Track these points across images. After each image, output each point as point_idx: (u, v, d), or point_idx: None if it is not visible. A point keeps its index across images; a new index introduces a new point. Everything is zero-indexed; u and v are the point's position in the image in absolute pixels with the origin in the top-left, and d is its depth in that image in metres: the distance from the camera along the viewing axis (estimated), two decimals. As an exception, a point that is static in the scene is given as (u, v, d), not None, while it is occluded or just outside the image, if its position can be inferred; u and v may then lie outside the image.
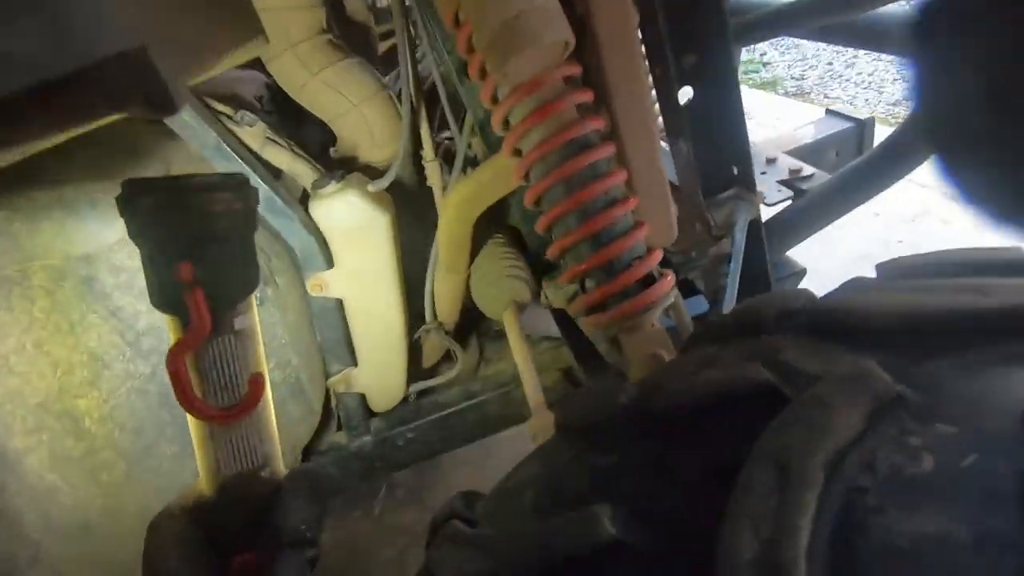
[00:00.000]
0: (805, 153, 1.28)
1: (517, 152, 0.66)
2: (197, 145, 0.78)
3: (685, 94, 0.86)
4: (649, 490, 0.30)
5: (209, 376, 0.49)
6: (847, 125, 1.34)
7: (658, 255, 0.63)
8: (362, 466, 1.10)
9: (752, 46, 4.44)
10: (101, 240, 0.63)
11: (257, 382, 0.52)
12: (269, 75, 1.13)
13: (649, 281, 0.62)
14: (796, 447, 0.25)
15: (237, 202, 0.49)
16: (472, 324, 1.27)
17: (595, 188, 0.61)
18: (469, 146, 0.89)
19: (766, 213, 1.04)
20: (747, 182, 0.91)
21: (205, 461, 0.52)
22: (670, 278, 0.62)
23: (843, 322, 0.32)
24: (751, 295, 0.89)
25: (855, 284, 0.38)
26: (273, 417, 0.55)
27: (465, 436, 1.12)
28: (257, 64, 1.19)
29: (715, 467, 0.29)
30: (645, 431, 0.33)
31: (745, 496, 0.25)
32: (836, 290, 0.39)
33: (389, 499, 1.53)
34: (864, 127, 1.33)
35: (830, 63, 3.67)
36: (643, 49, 0.74)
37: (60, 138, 0.50)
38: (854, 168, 1.02)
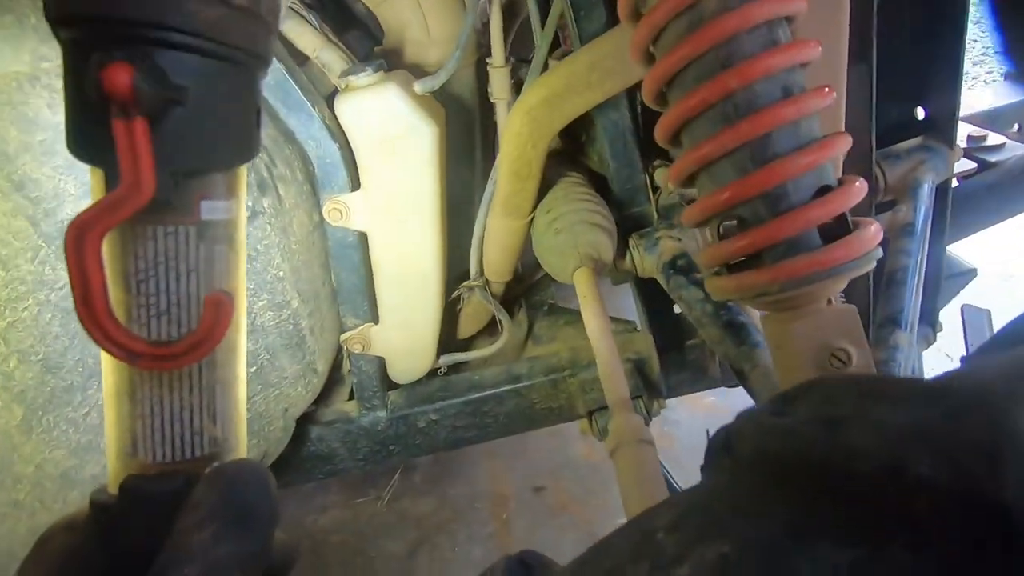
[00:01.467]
0: (978, 122, 0.99)
1: (636, 14, 0.42)
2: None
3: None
4: None
5: (142, 286, 0.28)
6: (1036, 94, 1.03)
7: (859, 189, 0.38)
8: (373, 447, 0.90)
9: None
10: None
11: (219, 306, 0.29)
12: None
13: (838, 230, 0.38)
14: None
15: None
16: (521, 291, 1.05)
17: (771, 60, 0.36)
18: (555, 41, 0.65)
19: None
20: (943, 130, 0.64)
21: (117, 433, 0.30)
22: (875, 228, 0.38)
23: None
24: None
25: None
26: (243, 376, 0.33)
27: (502, 426, 0.90)
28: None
29: None
30: None
31: None
32: None
33: (403, 483, 1.34)
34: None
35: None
36: None
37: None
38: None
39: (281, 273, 0.62)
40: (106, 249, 0.27)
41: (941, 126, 0.63)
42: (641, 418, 0.46)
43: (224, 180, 0.30)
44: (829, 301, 0.40)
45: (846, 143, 0.37)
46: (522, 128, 0.59)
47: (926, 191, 0.61)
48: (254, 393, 0.66)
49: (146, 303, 0.28)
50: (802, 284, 0.37)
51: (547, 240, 0.65)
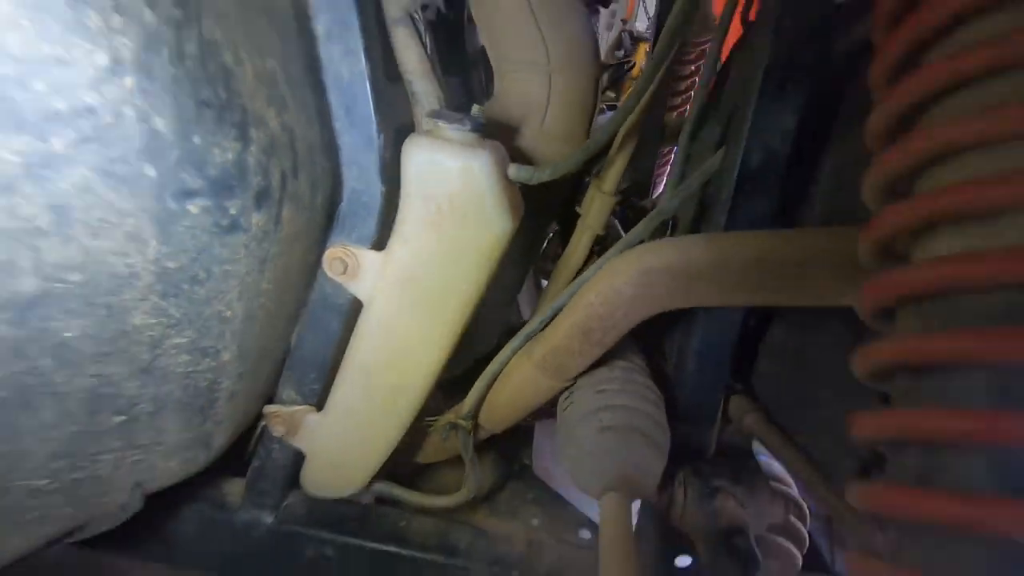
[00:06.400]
0: None
1: (886, 192, 0.28)
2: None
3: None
4: None
5: None
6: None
7: None
8: (234, 554, 0.67)
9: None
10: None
11: None
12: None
13: None
14: None
15: None
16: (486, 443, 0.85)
17: None
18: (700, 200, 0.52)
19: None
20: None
21: None
22: None
23: None
24: None
25: None
26: None
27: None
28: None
29: None
30: None
31: None
32: None
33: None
34: None
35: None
36: None
37: None
38: None
39: (229, 314, 0.43)
40: None
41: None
42: None
43: None
44: None
45: None
46: (625, 286, 0.43)
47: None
48: (101, 450, 0.44)
49: None
50: None
51: (584, 432, 0.47)
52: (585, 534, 0.73)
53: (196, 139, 0.35)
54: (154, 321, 0.40)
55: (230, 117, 0.37)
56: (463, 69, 0.86)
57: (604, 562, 0.40)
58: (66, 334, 0.37)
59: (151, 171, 0.35)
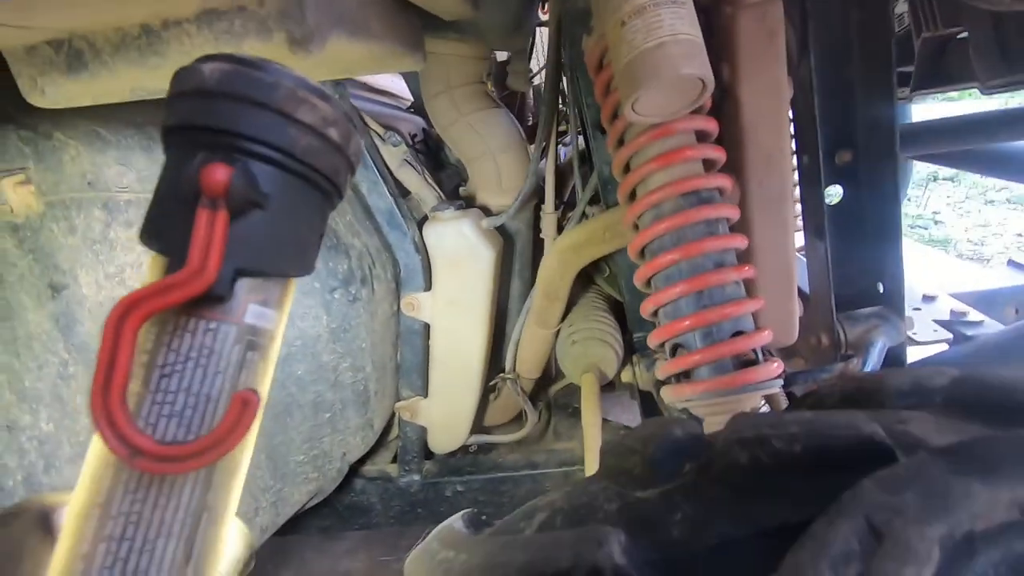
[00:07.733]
0: (973, 300, 1.11)
1: (631, 196, 0.63)
2: (344, 150, 0.85)
3: (834, 193, 0.79)
4: (683, 534, 0.23)
5: (163, 381, 0.26)
6: (1034, 282, 1.15)
7: (766, 336, 0.55)
8: (404, 507, 1.05)
9: (924, 202, 4.14)
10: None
11: (246, 405, 0.27)
12: (429, 123, 1.24)
13: (749, 362, 0.54)
14: (906, 512, 0.18)
15: (338, 131, 0.30)
16: (547, 392, 1.21)
17: (706, 244, 0.55)
18: (589, 203, 0.88)
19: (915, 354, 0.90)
20: (894, 303, 0.79)
21: (69, 558, 0.25)
22: (776, 365, 0.54)
23: (988, 397, 0.24)
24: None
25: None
26: (233, 511, 0.29)
27: (516, 507, 1.03)
28: (420, 112, 1.32)
29: (779, 525, 0.22)
30: (702, 472, 0.27)
31: (818, 552, 0.18)
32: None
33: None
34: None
35: (1019, 234, 3.27)
36: (791, 129, 0.70)
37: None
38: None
39: (364, 345, 0.83)
40: (148, 331, 0.26)
41: (894, 300, 0.78)
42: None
43: (277, 290, 0.30)
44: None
45: (755, 307, 0.55)
46: (555, 264, 0.80)
47: (877, 349, 0.75)
48: (324, 435, 0.84)
49: (161, 400, 0.26)
50: (716, 397, 0.53)
51: (565, 348, 0.83)
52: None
53: (331, 264, 0.76)
54: (331, 357, 0.80)
55: (343, 251, 0.78)
56: (447, 163, 1.27)
57: (584, 407, 0.75)
58: (298, 372, 0.78)
59: (317, 284, 0.75)
